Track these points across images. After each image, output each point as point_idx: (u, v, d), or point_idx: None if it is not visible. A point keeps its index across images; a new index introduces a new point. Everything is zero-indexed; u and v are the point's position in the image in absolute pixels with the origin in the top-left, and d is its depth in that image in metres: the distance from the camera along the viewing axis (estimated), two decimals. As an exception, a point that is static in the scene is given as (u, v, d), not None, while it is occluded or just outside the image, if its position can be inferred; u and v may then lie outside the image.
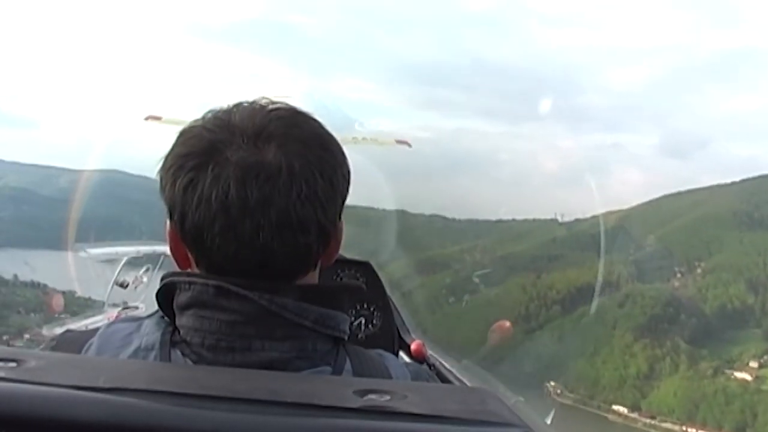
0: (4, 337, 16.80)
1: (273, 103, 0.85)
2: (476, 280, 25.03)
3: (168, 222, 0.84)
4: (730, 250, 26.51)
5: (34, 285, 22.08)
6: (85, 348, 0.85)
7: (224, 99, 0.86)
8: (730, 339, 24.17)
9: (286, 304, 0.79)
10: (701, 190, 30.56)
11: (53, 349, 0.88)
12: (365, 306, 1.74)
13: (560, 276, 25.63)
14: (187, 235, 0.80)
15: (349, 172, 0.85)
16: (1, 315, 20.19)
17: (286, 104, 0.85)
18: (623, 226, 28.19)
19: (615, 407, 23.02)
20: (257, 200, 0.76)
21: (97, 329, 0.88)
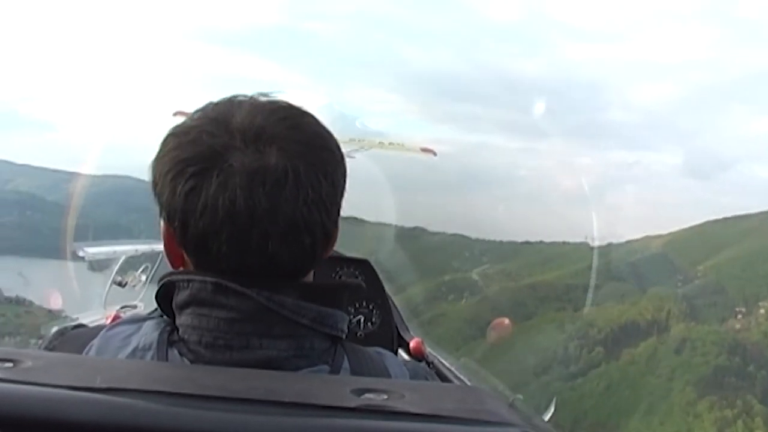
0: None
1: (269, 100, 0.88)
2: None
3: (162, 224, 0.88)
4: (794, 287, 25.38)
5: (18, 301, 21.32)
6: (86, 350, 0.89)
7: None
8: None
9: (284, 302, 0.83)
10: (751, 217, 29.23)
11: (54, 348, 0.93)
12: (364, 304, 1.82)
13: (600, 311, 24.43)
14: (190, 242, 0.84)
15: (346, 169, 0.90)
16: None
17: (283, 101, 0.89)
18: (665, 254, 26.90)
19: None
20: (265, 208, 0.80)
21: (98, 328, 0.93)
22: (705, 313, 25.49)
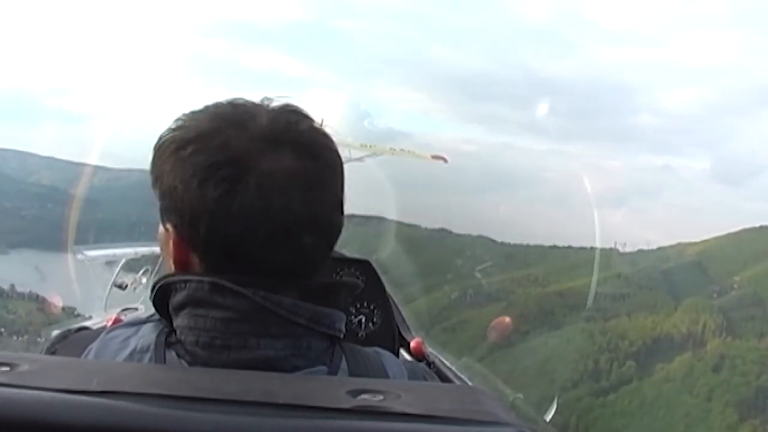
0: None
1: (281, 103, 0.91)
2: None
3: (169, 227, 0.89)
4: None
5: (32, 297, 21.19)
6: (85, 353, 0.92)
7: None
8: None
9: (281, 302, 0.85)
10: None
11: (56, 351, 0.95)
12: (365, 304, 1.87)
13: (631, 322, 23.95)
14: (218, 247, 0.86)
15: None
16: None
17: (291, 104, 0.92)
18: (699, 262, 26.28)
19: None
20: (300, 211, 0.84)
21: (99, 331, 0.95)
22: (743, 327, 24.63)
